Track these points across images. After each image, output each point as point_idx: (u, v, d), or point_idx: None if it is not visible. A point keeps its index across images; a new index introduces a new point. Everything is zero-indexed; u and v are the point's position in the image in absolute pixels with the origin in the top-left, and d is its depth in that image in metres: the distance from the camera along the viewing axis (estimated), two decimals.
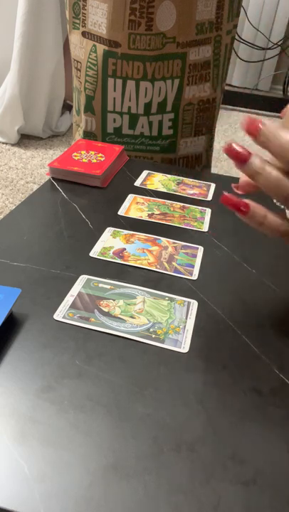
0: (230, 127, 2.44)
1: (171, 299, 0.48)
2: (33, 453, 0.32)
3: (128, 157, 0.84)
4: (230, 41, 0.92)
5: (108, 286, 0.49)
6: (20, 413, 0.35)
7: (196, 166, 1.00)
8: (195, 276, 0.53)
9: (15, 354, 0.40)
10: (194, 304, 0.48)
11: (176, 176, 0.78)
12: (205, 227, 0.63)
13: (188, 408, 0.37)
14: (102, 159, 0.75)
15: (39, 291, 0.47)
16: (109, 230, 0.60)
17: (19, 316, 0.44)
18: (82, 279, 0.50)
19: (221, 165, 1.98)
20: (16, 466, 0.31)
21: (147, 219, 0.64)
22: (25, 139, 2.06)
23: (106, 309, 0.46)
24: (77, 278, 0.50)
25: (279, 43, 2.83)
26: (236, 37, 2.70)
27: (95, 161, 0.75)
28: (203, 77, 0.89)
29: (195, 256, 0.56)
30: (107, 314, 0.45)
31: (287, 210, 0.40)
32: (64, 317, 0.44)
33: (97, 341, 0.42)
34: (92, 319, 0.44)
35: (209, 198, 0.71)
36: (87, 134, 0.94)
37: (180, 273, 0.53)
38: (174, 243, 0.59)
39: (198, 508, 0.30)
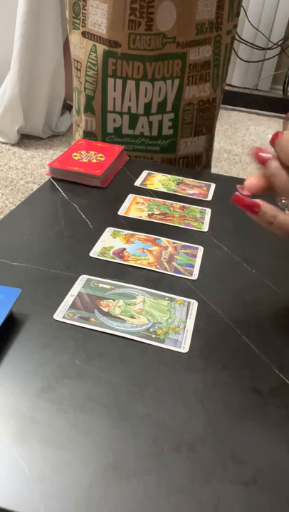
0: (230, 127, 2.44)
1: (171, 299, 0.48)
2: (33, 453, 0.32)
3: (128, 157, 0.84)
4: (230, 41, 0.92)
5: (108, 286, 0.49)
6: (20, 413, 0.35)
7: (196, 166, 1.00)
8: (195, 276, 0.53)
9: (15, 354, 0.40)
10: (194, 304, 0.48)
11: (176, 176, 0.78)
12: (205, 227, 0.63)
13: (188, 408, 0.37)
14: (102, 159, 0.75)
15: (39, 291, 0.47)
16: (109, 230, 0.60)
17: (19, 316, 0.44)
18: (82, 279, 0.50)
19: (221, 165, 1.98)
20: (16, 466, 0.31)
21: (147, 219, 0.64)
22: (25, 139, 2.06)
23: (106, 309, 0.46)
24: (77, 278, 0.50)
25: (279, 43, 2.83)
26: (236, 37, 2.70)
27: (95, 161, 0.75)
28: (203, 77, 0.89)
29: (195, 256, 0.56)
30: (107, 314, 0.45)
31: None
32: (64, 317, 0.44)
33: (97, 341, 0.42)
34: (92, 319, 0.44)
35: (209, 198, 0.71)
36: (87, 134, 0.94)
37: (180, 273, 0.53)
38: (174, 243, 0.59)
39: (198, 508, 0.30)
